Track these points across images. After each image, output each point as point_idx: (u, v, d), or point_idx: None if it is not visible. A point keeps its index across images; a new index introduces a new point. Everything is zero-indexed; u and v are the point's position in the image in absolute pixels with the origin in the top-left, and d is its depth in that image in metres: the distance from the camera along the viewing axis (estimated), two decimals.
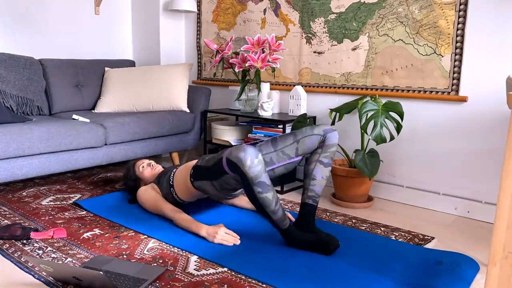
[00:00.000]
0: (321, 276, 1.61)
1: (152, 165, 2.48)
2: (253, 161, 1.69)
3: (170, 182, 2.18)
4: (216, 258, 1.74)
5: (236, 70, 2.91)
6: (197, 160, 2.15)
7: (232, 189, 1.96)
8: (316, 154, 1.96)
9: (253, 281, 1.57)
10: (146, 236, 1.95)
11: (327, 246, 1.77)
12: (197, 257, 1.76)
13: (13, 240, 1.87)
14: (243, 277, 1.60)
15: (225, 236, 1.88)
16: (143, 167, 2.46)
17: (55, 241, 1.89)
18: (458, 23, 2.30)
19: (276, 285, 1.54)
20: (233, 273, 1.63)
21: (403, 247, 1.90)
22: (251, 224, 2.11)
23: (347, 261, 1.74)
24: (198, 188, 2.03)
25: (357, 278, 1.60)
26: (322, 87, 2.89)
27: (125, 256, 1.74)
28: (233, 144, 2.96)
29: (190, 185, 2.06)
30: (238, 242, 1.89)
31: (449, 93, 2.38)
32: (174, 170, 2.22)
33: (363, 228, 2.14)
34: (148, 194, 2.24)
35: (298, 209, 2.40)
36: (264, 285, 1.54)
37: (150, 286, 1.52)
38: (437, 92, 2.42)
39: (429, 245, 1.98)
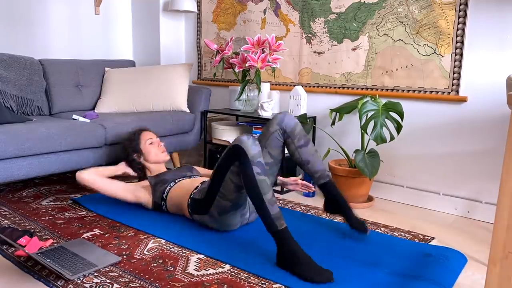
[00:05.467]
0: None
1: (160, 145, 2.41)
2: (254, 142, 1.75)
3: (164, 195, 2.17)
4: (218, 255, 1.75)
5: (236, 70, 2.91)
6: (197, 185, 2.10)
7: (232, 206, 1.88)
8: (290, 145, 2.01)
9: (253, 281, 1.57)
10: (146, 236, 1.95)
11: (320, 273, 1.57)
12: (197, 257, 1.76)
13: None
14: (243, 277, 1.60)
15: None
16: (151, 143, 2.39)
17: (55, 241, 1.88)
18: (458, 23, 2.30)
19: (277, 280, 1.56)
20: (233, 273, 1.63)
21: (393, 241, 1.96)
22: (250, 223, 2.12)
23: (341, 255, 1.80)
24: (197, 221, 2.06)
25: (351, 271, 1.66)
26: (322, 87, 2.89)
27: (125, 256, 1.74)
28: None
29: (186, 211, 2.09)
30: None
31: (449, 93, 2.38)
32: (171, 185, 2.17)
33: None
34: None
35: (298, 208, 2.40)
36: (265, 285, 1.54)
37: (149, 286, 1.52)
38: (437, 92, 2.42)
39: None
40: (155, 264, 1.69)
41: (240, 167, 1.72)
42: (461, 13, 2.28)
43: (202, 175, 2.44)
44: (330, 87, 2.85)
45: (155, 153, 2.38)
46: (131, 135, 2.44)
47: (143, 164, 2.40)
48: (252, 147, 1.72)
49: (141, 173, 2.42)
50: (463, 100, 2.33)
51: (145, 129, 2.48)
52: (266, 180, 1.70)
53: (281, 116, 2.01)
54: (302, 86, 2.97)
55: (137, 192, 2.22)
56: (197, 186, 2.08)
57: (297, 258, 1.61)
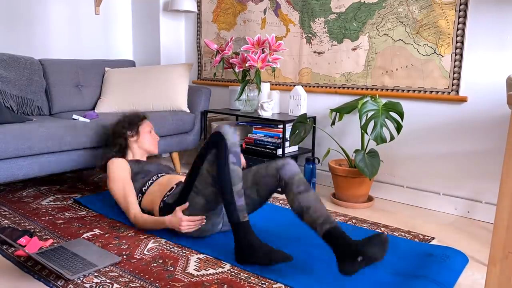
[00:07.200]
0: (316, 269, 1.63)
1: (156, 138, 2.42)
2: (235, 132, 1.78)
3: (144, 188, 2.10)
4: (218, 255, 1.75)
5: (236, 70, 2.91)
6: (173, 185, 2.03)
7: (204, 205, 1.83)
8: (289, 193, 1.73)
9: (253, 281, 1.57)
10: (146, 236, 1.95)
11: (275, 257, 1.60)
12: (197, 257, 1.76)
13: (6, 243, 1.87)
14: (243, 277, 1.60)
15: (189, 225, 1.81)
16: (150, 131, 2.39)
17: (55, 241, 1.89)
18: (458, 23, 2.30)
19: (277, 279, 1.57)
20: (233, 273, 1.63)
21: (393, 241, 1.96)
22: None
23: None
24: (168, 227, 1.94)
25: None
26: (322, 87, 2.89)
27: (125, 257, 1.74)
28: None
29: (157, 213, 2.00)
30: (204, 221, 1.84)
31: (449, 93, 2.38)
32: (153, 179, 2.12)
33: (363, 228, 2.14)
34: (119, 173, 2.10)
35: None
36: (265, 285, 1.55)
37: (149, 286, 1.52)
38: (437, 92, 2.42)
39: None
40: (155, 264, 1.69)
41: (216, 153, 1.75)
42: (461, 13, 2.28)
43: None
44: (330, 87, 2.85)
45: (150, 142, 2.37)
46: (136, 116, 2.41)
47: (129, 145, 2.34)
48: (233, 135, 1.76)
49: (119, 152, 2.33)
50: (463, 100, 2.33)
51: (147, 117, 2.48)
52: (239, 171, 1.73)
53: (281, 164, 1.78)
54: (302, 86, 2.97)
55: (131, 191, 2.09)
56: (172, 188, 2.01)
57: (254, 249, 1.63)
